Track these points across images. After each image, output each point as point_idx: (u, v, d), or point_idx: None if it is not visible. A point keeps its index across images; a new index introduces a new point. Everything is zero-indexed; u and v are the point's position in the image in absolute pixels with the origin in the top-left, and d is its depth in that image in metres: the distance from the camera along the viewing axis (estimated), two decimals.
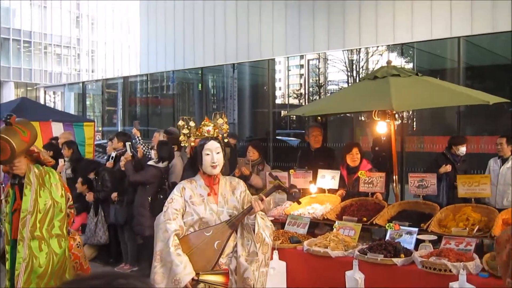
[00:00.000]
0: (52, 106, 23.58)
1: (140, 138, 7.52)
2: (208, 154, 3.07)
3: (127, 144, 6.63)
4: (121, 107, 18.02)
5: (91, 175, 6.87)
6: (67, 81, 33.93)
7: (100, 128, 17.68)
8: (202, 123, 3.26)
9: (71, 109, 19.62)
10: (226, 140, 3.31)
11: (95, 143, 10.33)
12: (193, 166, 3.24)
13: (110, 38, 43.01)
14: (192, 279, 2.89)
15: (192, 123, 3.30)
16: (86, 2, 42.20)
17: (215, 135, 3.22)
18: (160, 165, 6.13)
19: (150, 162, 6.21)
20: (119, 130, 15.96)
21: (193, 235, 3.03)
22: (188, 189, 3.10)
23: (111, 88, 18.91)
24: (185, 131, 3.25)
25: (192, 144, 3.21)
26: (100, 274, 1.11)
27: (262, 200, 3.11)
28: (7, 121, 2.82)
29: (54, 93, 29.45)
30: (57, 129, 8.82)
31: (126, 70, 37.50)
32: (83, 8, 42.60)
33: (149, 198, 6.03)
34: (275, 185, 3.31)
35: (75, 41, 42.18)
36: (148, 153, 6.74)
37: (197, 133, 3.22)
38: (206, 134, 3.20)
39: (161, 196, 5.98)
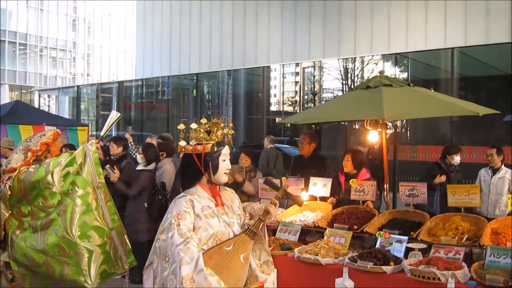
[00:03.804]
0: (46, 110, 23.54)
1: (132, 143, 7.50)
2: (224, 160, 2.85)
3: (107, 167, 5.99)
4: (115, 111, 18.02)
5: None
6: (62, 85, 33.92)
7: (94, 133, 17.64)
8: (215, 125, 2.89)
9: (66, 113, 19.60)
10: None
11: None
12: (195, 174, 2.86)
13: (106, 42, 43.04)
14: None
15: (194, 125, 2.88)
16: (83, 5, 42.24)
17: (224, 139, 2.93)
18: (150, 167, 6.07)
19: (139, 167, 6.10)
20: (113, 135, 15.92)
21: (213, 252, 2.69)
22: (196, 202, 2.76)
23: (106, 92, 18.91)
24: (203, 134, 2.83)
25: (199, 149, 2.80)
26: None
27: (275, 205, 2.97)
28: None
29: (48, 96, 29.41)
30: None
31: (121, 74, 37.53)
32: (79, 11, 42.66)
33: (145, 204, 5.90)
34: (284, 189, 3.10)
35: (71, 45, 42.18)
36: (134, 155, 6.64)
37: (213, 137, 2.85)
38: (217, 139, 2.86)
39: (160, 196, 5.97)
